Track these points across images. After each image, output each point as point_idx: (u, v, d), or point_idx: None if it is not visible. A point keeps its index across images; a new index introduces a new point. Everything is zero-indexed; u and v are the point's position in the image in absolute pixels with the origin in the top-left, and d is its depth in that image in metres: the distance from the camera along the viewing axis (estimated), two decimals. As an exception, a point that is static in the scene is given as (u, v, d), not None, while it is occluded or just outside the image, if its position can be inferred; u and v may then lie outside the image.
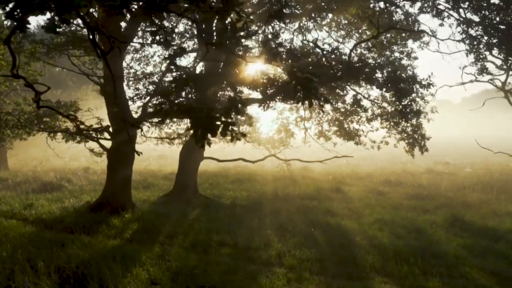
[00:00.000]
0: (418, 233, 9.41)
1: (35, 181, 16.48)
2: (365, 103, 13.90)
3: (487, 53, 10.75)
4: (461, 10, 10.75)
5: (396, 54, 15.99)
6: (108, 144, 12.31)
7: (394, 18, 14.94)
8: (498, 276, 6.85)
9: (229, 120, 3.12)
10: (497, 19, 9.88)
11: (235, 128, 3.24)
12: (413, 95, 11.03)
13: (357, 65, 9.08)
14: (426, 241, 8.65)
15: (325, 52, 9.35)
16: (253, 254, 7.95)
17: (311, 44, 11.23)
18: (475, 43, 10.46)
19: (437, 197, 13.97)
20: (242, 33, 3.48)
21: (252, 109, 24.99)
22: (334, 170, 21.37)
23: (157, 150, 25.67)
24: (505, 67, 15.40)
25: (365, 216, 11.46)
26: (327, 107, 17.37)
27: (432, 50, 14.85)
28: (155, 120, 17.87)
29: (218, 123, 3.01)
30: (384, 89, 9.89)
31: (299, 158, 16.75)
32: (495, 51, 10.35)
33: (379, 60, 15.27)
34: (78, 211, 11.49)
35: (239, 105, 3.24)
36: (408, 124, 13.59)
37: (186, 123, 17.19)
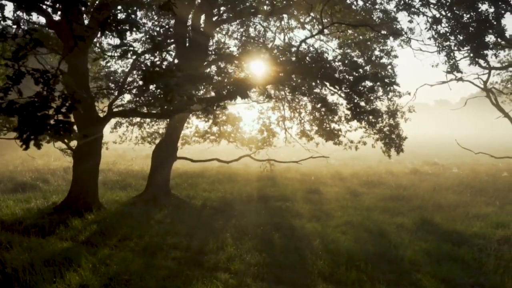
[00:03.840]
0: (381, 237, 9.12)
1: (10, 181, 16.29)
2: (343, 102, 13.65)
3: (457, 51, 10.43)
4: (431, 7, 10.45)
5: (377, 53, 15.74)
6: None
7: (372, 16, 14.67)
8: (449, 284, 6.56)
9: (65, 119, 2.87)
10: (466, 16, 9.57)
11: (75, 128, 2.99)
12: (375, 93, 10.73)
13: (309, 62, 8.78)
14: (386, 246, 8.36)
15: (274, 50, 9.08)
16: (202, 258, 7.70)
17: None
18: (442, 39, 10.13)
19: (414, 199, 13.66)
20: (126, 26, 3.22)
21: (234, 108, 24.74)
22: (319, 170, 21.08)
23: (145, 150, 25.46)
24: (487, 65, 15.11)
25: (335, 218, 11.18)
26: (309, 106, 17.19)
27: (415, 49, 14.53)
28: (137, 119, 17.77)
29: (52, 122, 2.76)
30: (337, 87, 9.58)
31: (274, 159, 16.49)
32: (465, 49, 10.03)
33: (361, 60, 15.05)
34: (42, 212, 11.27)
35: (74, 103, 2.99)
36: (385, 123, 13.34)
37: (166, 122, 17.02)
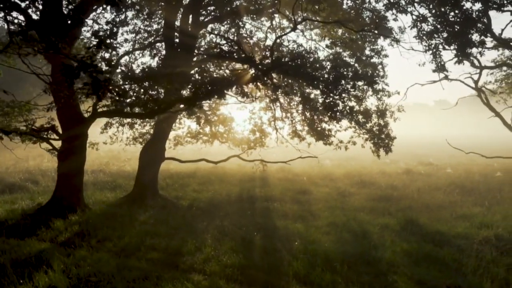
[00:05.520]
0: (364, 238, 9.02)
1: (0, 182, 16.26)
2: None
3: (444, 50, 10.32)
4: (417, 5, 10.36)
5: (367, 52, 15.64)
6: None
7: (363, 15, 14.56)
8: (424, 285, 6.45)
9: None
10: (452, 13, 9.46)
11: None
12: (364, 93, 10.60)
13: (287, 60, 8.65)
14: (367, 246, 8.24)
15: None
16: (179, 259, 7.61)
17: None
18: (428, 37, 10.01)
19: (403, 199, 13.54)
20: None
21: (226, 109, 24.71)
22: (312, 170, 20.95)
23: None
24: (478, 65, 14.99)
25: (321, 219, 11.08)
26: (300, 106, 17.08)
27: (407, 48, 14.39)
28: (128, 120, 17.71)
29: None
30: (314, 85, 9.45)
31: (262, 159, 16.37)
32: (452, 48, 9.90)
33: (352, 60, 14.96)
34: (26, 213, 11.20)
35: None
36: (373, 123, 13.23)
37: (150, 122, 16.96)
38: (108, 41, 4.35)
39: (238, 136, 19.37)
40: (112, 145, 18.98)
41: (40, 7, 8.47)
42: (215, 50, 10.44)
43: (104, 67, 3.45)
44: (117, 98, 5.30)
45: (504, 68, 18.66)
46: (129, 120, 17.40)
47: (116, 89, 4.15)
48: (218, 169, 20.81)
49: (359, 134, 14.31)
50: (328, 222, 10.54)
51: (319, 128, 15.39)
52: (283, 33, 12.05)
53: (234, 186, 16.96)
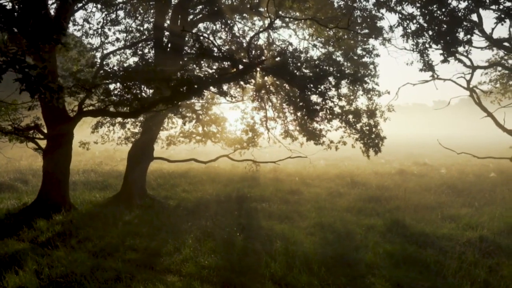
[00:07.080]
0: (347, 239, 8.90)
1: (-11, 181, 16.18)
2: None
3: (431, 48, 10.19)
4: (404, 4, 10.24)
5: (359, 52, 15.53)
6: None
7: (355, 14, 14.45)
8: (402, 288, 6.35)
9: None
10: (439, 12, 9.33)
11: None
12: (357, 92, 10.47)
13: (263, 58, 8.55)
14: (348, 248, 8.13)
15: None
16: (156, 260, 7.51)
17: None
18: (414, 36, 9.89)
19: (393, 200, 13.41)
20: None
21: (218, 109, 24.57)
22: (305, 170, 20.82)
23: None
24: (470, 65, 14.87)
25: (307, 219, 10.96)
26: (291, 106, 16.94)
27: (400, 48, 14.34)
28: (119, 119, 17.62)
29: None
30: (294, 83, 9.33)
31: (252, 159, 16.27)
32: (439, 46, 9.78)
33: (342, 59, 14.86)
34: (10, 213, 11.13)
35: None
36: (362, 123, 13.11)
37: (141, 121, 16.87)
38: (55, 36, 4.25)
39: (231, 136, 19.27)
40: (108, 145, 18.90)
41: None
42: (194, 49, 10.35)
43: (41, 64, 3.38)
44: (57, 97, 5.14)
45: (499, 68, 18.52)
46: (120, 119, 17.33)
47: (52, 86, 4.04)
48: (210, 169, 20.71)
49: (349, 134, 14.20)
50: (314, 223, 10.42)
51: (310, 128, 15.29)
52: (259, 31, 11.93)
53: (224, 186, 16.85)
